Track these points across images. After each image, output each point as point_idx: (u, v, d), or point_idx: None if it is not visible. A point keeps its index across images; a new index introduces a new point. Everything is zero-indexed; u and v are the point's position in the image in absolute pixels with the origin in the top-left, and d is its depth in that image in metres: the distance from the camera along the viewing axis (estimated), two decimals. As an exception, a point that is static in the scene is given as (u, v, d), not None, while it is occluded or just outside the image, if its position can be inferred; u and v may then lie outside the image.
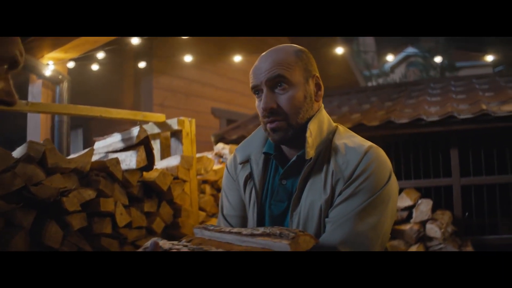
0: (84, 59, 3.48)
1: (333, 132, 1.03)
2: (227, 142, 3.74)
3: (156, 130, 2.37)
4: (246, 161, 1.10)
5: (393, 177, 0.97)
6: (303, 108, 0.99)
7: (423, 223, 2.95)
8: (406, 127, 3.26)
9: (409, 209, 3.06)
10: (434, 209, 3.06)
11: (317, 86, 1.05)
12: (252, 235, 0.82)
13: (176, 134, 2.34)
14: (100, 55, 3.46)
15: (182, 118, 2.30)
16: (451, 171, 3.25)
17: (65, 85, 3.45)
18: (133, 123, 2.37)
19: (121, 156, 1.94)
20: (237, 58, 3.86)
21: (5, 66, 0.75)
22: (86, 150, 1.81)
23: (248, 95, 5.03)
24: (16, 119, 3.86)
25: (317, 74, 1.05)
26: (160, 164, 2.21)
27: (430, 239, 2.90)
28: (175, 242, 0.83)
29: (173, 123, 2.29)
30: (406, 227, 2.91)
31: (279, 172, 1.05)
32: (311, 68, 1.03)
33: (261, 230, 0.83)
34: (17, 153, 1.62)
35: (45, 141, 1.64)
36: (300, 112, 0.99)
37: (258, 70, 1.00)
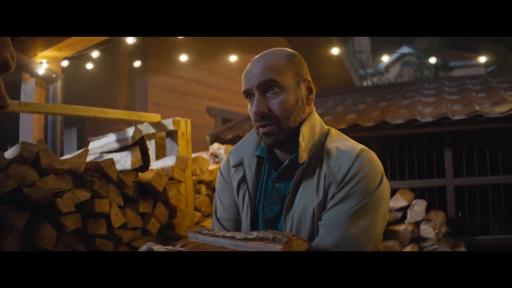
0: (79, 58, 3.46)
1: (325, 135, 1.04)
2: (222, 142, 3.73)
3: (151, 130, 2.36)
4: (239, 165, 1.10)
5: (385, 180, 0.98)
6: (294, 112, 1.00)
7: (417, 224, 2.97)
8: (401, 128, 3.28)
9: (404, 209, 3.08)
10: (428, 209, 3.08)
11: (309, 89, 1.05)
12: (246, 239, 0.83)
13: (172, 134, 2.33)
14: (95, 53, 3.44)
15: (177, 118, 2.30)
16: (444, 172, 3.27)
17: (59, 84, 3.43)
18: (128, 122, 2.36)
19: (116, 156, 1.93)
20: (233, 58, 3.85)
21: None
22: (80, 150, 1.80)
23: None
24: (8, 118, 3.82)
25: (309, 78, 1.05)
26: (155, 164, 2.21)
27: (424, 239, 2.92)
28: (170, 247, 0.83)
29: (169, 123, 2.28)
30: (401, 227, 2.93)
31: (272, 175, 1.06)
32: (303, 72, 1.04)
33: (254, 234, 0.83)
34: (10, 153, 1.61)
35: (38, 142, 1.63)
36: (291, 116, 0.99)
37: (250, 74, 1.01)
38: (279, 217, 1.02)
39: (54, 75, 3.39)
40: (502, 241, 3.10)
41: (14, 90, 3.45)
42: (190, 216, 2.23)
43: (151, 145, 2.39)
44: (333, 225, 0.91)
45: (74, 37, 2.97)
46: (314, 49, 4.81)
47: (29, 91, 3.43)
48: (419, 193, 3.30)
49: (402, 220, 3.06)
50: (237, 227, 1.10)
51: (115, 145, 2.03)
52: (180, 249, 0.81)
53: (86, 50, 3.35)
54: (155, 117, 2.31)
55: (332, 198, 0.94)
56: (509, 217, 3.24)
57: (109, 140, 2.11)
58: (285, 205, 0.99)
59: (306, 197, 0.97)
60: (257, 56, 1.04)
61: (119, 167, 1.89)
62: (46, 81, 3.41)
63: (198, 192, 2.55)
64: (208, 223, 2.42)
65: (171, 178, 2.10)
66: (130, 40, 3.24)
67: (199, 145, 4.03)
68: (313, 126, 1.03)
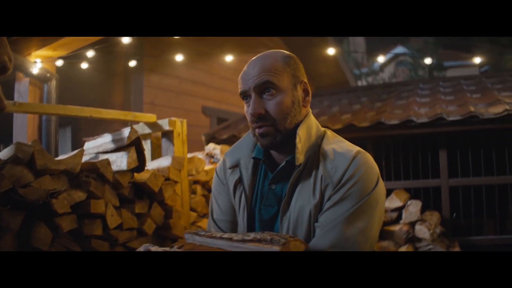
0: (73, 57, 3.44)
1: (321, 137, 1.05)
2: (218, 142, 3.73)
3: (147, 130, 2.35)
4: (236, 166, 1.10)
5: (381, 182, 0.98)
6: (291, 114, 1.00)
7: (412, 224, 2.99)
8: (396, 128, 3.30)
9: (399, 210, 3.09)
10: (423, 210, 3.10)
11: (305, 91, 1.05)
12: (243, 240, 0.83)
13: (167, 135, 2.32)
14: (90, 53, 3.42)
15: (173, 118, 2.29)
16: (439, 172, 3.29)
17: (53, 83, 3.41)
18: (123, 122, 2.35)
19: (111, 157, 1.93)
20: (229, 58, 3.85)
21: None
22: (76, 151, 1.79)
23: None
24: (1, 117, 3.79)
25: (305, 80, 1.06)
26: (151, 165, 2.20)
27: (419, 240, 2.93)
28: (167, 249, 0.83)
29: (164, 123, 2.28)
30: (396, 228, 2.95)
31: (268, 177, 1.06)
32: (299, 74, 1.04)
33: (252, 235, 0.84)
34: (4, 154, 1.59)
35: (33, 142, 1.62)
36: (288, 117, 1.00)
37: (247, 76, 1.01)
38: (276, 218, 1.02)
39: (48, 75, 3.36)
40: (496, 241, 3.13)
41: (8, 90, 3.42)
42: (186, 216, 2.22)
43: (146, 145, 2.38)
44: (329, 227, 0.92)
45: (68, 37, 2.96)
46: (309, 49, 4.82)
47: (23, 90, 3.40)
48: (414, 194, 3.31)
49: (397, 220, 3.07)
50: (234, 228, 1.10)
51: (111, 146, 2.02)
52: (177, 250, 0.81)
53: (81, 49, 3.33)
54: (151, 117, 2.31)
55: (328, 199, 0.95)
56: (503, 217, 3.27)
57: (104, 140, 2.10)
58: (282, 206, 1.00)
59: (303, 199, 0.97)
60: (254, 57, 1.05)
61: (114, 167, 1.88)
62: (40, 80, 3.38)
63: (193, 192, 2.54)
64: (204, 223, 2.42)
65: (167, 179, 2.10)
66: (126, 39, 3.23)
67: (194, 145, 4.02)
68: (309, 128, 1.03)
